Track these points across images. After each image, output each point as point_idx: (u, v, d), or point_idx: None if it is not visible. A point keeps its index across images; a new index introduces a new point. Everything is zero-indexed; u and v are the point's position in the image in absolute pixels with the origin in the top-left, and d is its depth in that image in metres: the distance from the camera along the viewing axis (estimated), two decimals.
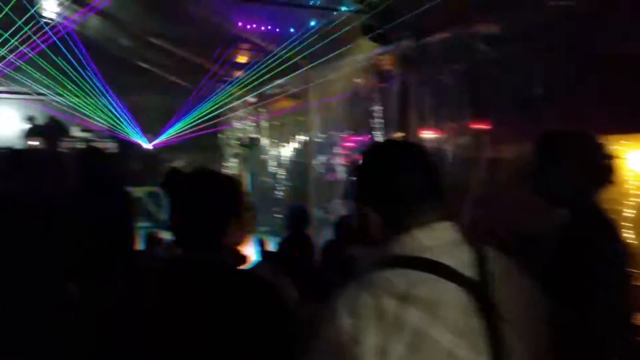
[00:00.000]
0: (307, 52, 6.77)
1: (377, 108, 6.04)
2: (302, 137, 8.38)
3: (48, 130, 9.96)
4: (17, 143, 10.43)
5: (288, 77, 7.88)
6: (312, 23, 6.77)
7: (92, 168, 3.38)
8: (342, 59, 6.33)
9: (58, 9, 10.16)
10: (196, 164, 12.38)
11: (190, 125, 10.94)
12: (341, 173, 6.93)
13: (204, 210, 1.46)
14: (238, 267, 1.52)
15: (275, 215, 8.45)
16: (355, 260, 3.88)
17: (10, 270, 2.45)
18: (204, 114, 11.01)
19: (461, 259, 1.07)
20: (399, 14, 5.27)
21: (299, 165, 8.34)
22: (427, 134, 5.43)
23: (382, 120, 5.97)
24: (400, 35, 5.44)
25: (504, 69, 4.68)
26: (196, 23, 8.96)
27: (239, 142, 10.17)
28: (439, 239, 1.08)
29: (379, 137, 5.97)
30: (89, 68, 10.13)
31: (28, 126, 10.43)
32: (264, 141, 9.69)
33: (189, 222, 1.48)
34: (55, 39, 9.66)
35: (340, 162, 6.95)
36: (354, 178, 1.21)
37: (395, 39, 5.48)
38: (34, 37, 9.43)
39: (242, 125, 10.92)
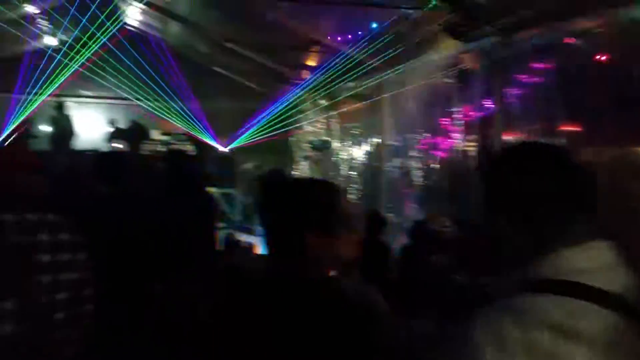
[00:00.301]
0: (382, 53, 6.65)
1: (458, 109, 5.78)
2: (375, 140, 8.22)
3: (130, 133, 10.43)
4: (101, 145, 11.06)
5: (361, 78, 7.76)
6: (387, 23, 6.63)
7: (178, 170, 3.44)
8: (419, 59, 6.12)
9: (141, 17, 10.65)
10: (268, 166, 12.60)
11: (262, 129, 11.11)
12: (416, 177, 6.71)
13: (284, 216, 1.39)
14: (324, 277, 1.41)
15: None
16: (438, 268, 3.69)
17: (100, 268, 2.50)
18: (276, 117, 11.15)
19: (620, 284, 0.90)
20: (484, 9, 5.00)
21: (372, 169, 8.19)
22: (514, 137, 5.10)
23: (463, 123, 5.70)
24: (484, 33, 5.16)
25: (601, 67, 4.30)
26: (271, 27, 9.08)
27: (310, 145, 10.16)
28: (594, 261, 0.91)
29: (459, 140, 5.71)
30: (169, 73, 10.54)
31: (111, 129, 10.99)
32: (336, 144, 9.62)
33: (271, 227, 1.43)
34: (128, 45, 10.14)
35: (416, 166, 6.72)
36: (486, 185, 1.06)
37: (479, 36, 5.20)
38: (104, 44, 9.92)
39: (313, 128, 10.92)
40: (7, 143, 9.98)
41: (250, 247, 4.64)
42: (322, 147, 9.25)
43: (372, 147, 8.35)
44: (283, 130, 11.39)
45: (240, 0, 8.29)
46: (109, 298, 2.77)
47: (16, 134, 10.06)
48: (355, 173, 8.84)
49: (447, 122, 6.02)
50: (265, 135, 11.08)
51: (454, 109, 5.90)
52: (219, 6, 8.73)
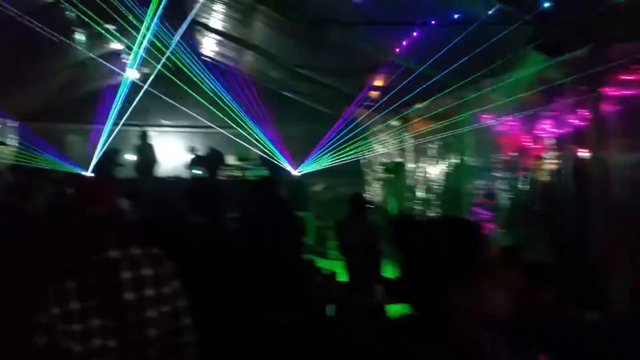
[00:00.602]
0: (461, 71, 6.42)
1: (548, 127, 5.42)
2: (454, 160, 7.91)
3: (208, 159, 10.76)
4: (182, 172, 11.51)
5: (437, 97, 7.54)
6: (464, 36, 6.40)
7: (270, 195, 3.44)
8: (504, 75, 5.84)
9: (216, 48, 11.07)
10: (340, 188, 12.57)
11: (333, 151, 11.11)
12: (502, 199, 6.35)
13: (425, 263, 1.25)
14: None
15: None
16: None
17: (211, 300, 2.49)
18: (346, 139, 11.11)
19: None
20: (575, 21, 4.69)
21: (451, 191, 7.87)
22: (613, 154, 4.69)
23: (555, 141, 5.33)
24: (575, 45, 4.83)
25: None
26: (341, 51, 9.11)
27: (383, 167, 10.00)
28: None
29: (551, 159, 5.34)
30: (244, 100, 10.83)
31: (191, 156, 11.41)
32: (410, 165, 9.39)
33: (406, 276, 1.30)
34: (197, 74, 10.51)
35: (502, 187, 6.36)
36: None
37: (569, 49, 4.88)
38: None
39: (385, 149, 10.76)
40: (96, 172, 10.62)
41: (332, 275, 4.54)
42: (396, 169, 9.05)
43: (451, 168, 8.05)
44: (354, 152, 11.33)
45: (310, 26, 8.38)
46: (203, 329, 2.75)
47: (104, 163, 10.67)
48: (433, 195, 8.54)
49: (536, 139, 5.67)
50: (336, 158, 11.06)
51: (543, 125, 5.55)
52: (290, 33, 8.90)
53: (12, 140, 11.13)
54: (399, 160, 9.77)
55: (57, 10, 7.61)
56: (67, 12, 7.75)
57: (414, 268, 1.13)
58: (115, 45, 10.16)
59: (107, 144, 11.04)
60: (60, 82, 10.87)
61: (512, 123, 6.04)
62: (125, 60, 11.23)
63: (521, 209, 5.75)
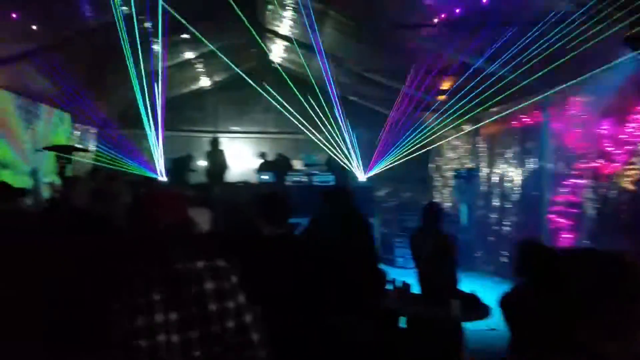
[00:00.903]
0: (537, 71, 6.04)
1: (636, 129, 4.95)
2: (532, 166, 7.46)
3: (276, 165, 10.84)
4: (251, 177, 11.67)
5: (513, 100, 7.15)
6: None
7: (345, 203, 3.34)
8: (586, 76, 5.42)
9: (284, 54, 11.17)
10: (406, 194, 12.29)
11: (401, 156, 10.86)
12: (587, 207, 5.88)
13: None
14: None
15: (501, 254, 7.64)
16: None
17: (278, 304, 2.43)
18: (414, 144, 10.83)
19: None
20: None
21: (529, 198, 7.42)
22: None
23: None
24: None
25: None
26: (408, 54, 8.90)
27: (453, 173, 9.63)
28: None
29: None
30: (311, 106, 10.86)
31: (260, 162, 11.56)
32: (483, 170, 8.97)
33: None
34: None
35: (586, 195, 5.90)
36: None
37: None
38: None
39: (455, 154, 10.39)
40: (168, 177, 11.01)
41: (406, 287, 4.35)
42: (468, 176, 8.67)
43: (528, 175, 7.59)
44: (423, 157, 11.02)
45: (378, 30, 8.24)
46: (278, 340, 2.68)
47: (176, 168, 11.03)
48: (509, 204, 8.10)
49: (622, 144, 5.20)
50: (404, 163, 10.80)
51: (630, 129, 5.08)
52: (358, 38, 8.81)
53: (92, 146, 11.78)
54: (470, 165, 9.37)
55: (135, 21, 7.96)
56: (145, 23, 8.08)
57: (541, 302, 0.99)
58: (189, 54, 10.52)
59: (177, 151, 11.42)
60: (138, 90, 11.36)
61: (596, 126, 5.59)
62: (198, 68, 11.62)
63: (608, 218, 5.29)
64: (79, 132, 10.90)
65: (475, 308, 4.11)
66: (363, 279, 3.16)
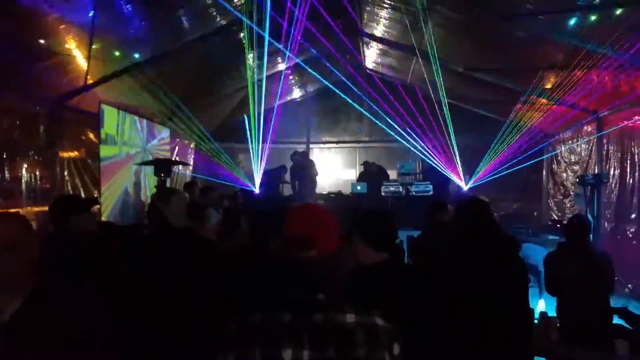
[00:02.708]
0: None
1: None
2: None
3: (375, 175, 10.34)
4: (343, 188, 11.27)
5: None
6: None
7: (483, 217, 2.73)
8: None
9: (379, 59, 10.66)
10: (514, 204, 11.21)
11: (509, 163, 9.90)
12: None
13: None
14: None
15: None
16: None
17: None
18: (524, 149, 9.83)
19: None
20: None
21: None
22: None
23: None
24: None
25: None
26: (517, 51, 8.04)
27: (577, 179, 8.50)
28: None
29: None
30: (410, 111, 10.27)
31: (357, 171, 11.15)
32: (614, 176, 7.81)
33: None
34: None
35: None
36: None
37: None
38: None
39: (576, 157, 9.23)
40: (261, 189, 10.86)
41: (552, 320, 3.61)
42: (595, 182, 7.55)
43: None
44: (535, 163, 9.98)
45: (480, 26, 7.49)
46: None
47: (270, 180, 10.86)
48: None
49: None
50: (512, 171, 9.84)
51: None
52: (457, 34, 8.09)
53: (190, 159, 11.97)
54: (596, 172, 8.23)
55: (229, 33, 7.87)
56: (239, 35, 7.96)
57: None
58: (282, 65, 10.35)
59: (269, 162, 11.28)
60: (233, 104, 11.42)
61: None
62: (291, 80, 11.44)
63: None
64: (177, 147, 11.10)
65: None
66: (511, 320, 2.51)
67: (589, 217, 7.91)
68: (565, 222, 9.20)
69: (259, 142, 11.75)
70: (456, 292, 2.47)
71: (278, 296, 1.26)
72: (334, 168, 13.28)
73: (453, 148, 10.22)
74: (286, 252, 1.29)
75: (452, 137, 10.19)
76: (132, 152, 8.35)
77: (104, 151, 7.43)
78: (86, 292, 1.62)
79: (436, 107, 9.91)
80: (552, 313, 3.74)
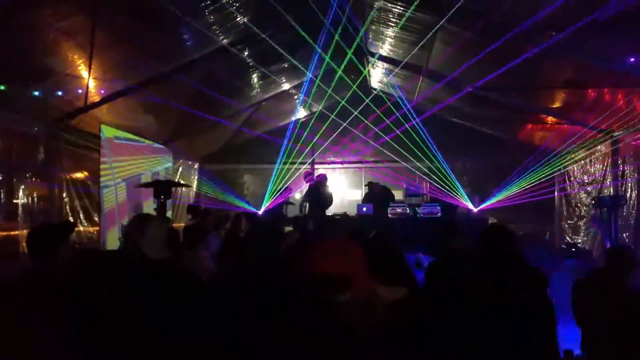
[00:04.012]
0: None
1: None
2: None
3: (378, 196, 10.08)
4: (348, 209, 11.01)
5: None
6: None
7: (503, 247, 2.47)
8: None
9: (386, 78, 10.51)
10: (527, 225, 10.89)
11: (519, 186, 9.65)
12: None
13: None
14: None
15: None
16: None
17: None
18: (535, 172, 9.58)
19: None
20: None
21: None
22: None
23: None
24: None
25: None
26: (527, 69, 7.84)
27: (592, 201, 8.23)
28: None
29: None
30: (416, 132, 10.09)
31: (365, 192, 10.91)
32: (631, 197, 7.53)
33: None
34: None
35: None
36: None
37: None
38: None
39: (589, 178, 8.96)
40: (266, 213, 10.63)
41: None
42: (613, 203, 7.27)
43: None
44: (546, 185, 9.71)
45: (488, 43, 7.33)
46: None
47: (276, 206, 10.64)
48: None
49: None
50: (524, 192, 9.57)
51: None
52: (466, 53, 7.93)
53: (194, 180, 11.77)
54: (612, 193, 7.95)
55: (233, 53, 7.73)
56: (242, 54, 7.82)
57: None
58: (286, 85, 10.21)
59: (281, 183, 11.10)
60: (237, 125, 11.26)
61: None
62: (295, 99, 11.30)
63: None
64: (181, 168, 10.92)
65: None
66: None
67: (608, 240, 7.62)
68: (579, 245, 8.97)
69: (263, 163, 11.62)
70: (480, 328, 2.21)
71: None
72: (339, 188, 13.05)
73: (461, 169, 10.01)
74: (318, 293, 1.06)
75: (460, 159, 10.00)
76: (134, 174, 8.18)
77: (104, 173, 7.25)
78: None
79: (443, 127, 9.74)
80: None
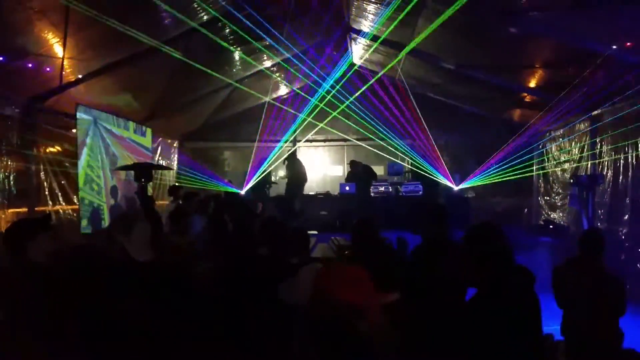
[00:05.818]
0: None
1: None
2: None
3: (360, 174, 10.10)
4: (331, 188, 11.02)
5: None
6: None
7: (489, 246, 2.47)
8: None
9: (365, 55, 10.40)
10: (507, 200, 11.05)
11: (502, 164, 9.73)
12: None
13: None
14: None
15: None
16: None
17: None
18: (517, 150, 9.66)
19: None
20: None
21: None
22: None
23: None
24: None
25: None
26: (509, 48, 7.83)
27: (571, 180, 8.36)
28: None
29: None
30: (400, 109, 10.05)
31: (347, 171, 10.91)
32: (606, 176, 7.66)
33: None
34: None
35: None
36: None
37: None
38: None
39: (570, 156, 9.09)
40: (249, 192, 10.57)
41: (557, 344, 3.41)
42: (591, 183, 7.41)
43: None
44: (526, 164, 9.82)
45: (472, 22, 7.28)
46: None
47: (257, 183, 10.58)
48: None
49: None
50: (506, 173, 9.67)
51: None
52: (450, 31, 7.87)
53: (174, 161, 11.61)
54: (590, 172, 8.08)
55: (213, 30, 7.52)
56: (223, 31, 7.63)
57: None
58: (267, 63, 10.02)
59: (259, 162, 11.01)
60: (217, 102, 11.07)
61: None
62: (277, 78, 11.12)
63: None
64: (160, 146, 10.73)
65: None
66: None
67: (584, 218, 7.79)
68: (556, 222, 9.15)
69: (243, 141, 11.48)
70: (473, 327, 2.23)
71: None
72: (321, 166, 13.03)
73: (443, 147, 10.07)
74: (335, 321, 1.05)
75: (442, 137, 10.05)
76: (111, 154, 8.00)
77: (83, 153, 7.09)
78: None
79: (425, 104, 9.73)
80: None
